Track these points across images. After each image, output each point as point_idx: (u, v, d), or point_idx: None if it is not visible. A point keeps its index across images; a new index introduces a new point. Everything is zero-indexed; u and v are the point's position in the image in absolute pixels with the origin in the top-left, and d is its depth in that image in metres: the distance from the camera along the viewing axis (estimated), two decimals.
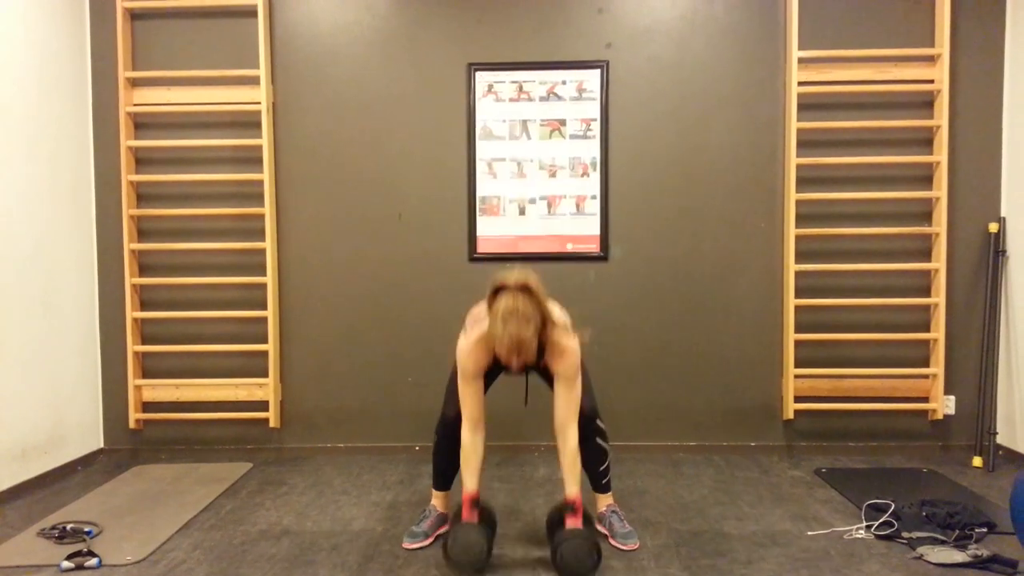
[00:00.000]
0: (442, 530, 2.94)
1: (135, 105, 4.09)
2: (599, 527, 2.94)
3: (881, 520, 2.94)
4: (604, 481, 2.96)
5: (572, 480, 2.64)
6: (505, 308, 2.41)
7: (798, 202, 3.98)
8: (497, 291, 2.47)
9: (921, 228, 3.99)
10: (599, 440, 2.88)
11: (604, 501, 2.98)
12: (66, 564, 2.68)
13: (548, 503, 3.32)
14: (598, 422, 2.88)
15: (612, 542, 2.85)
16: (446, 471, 2.96)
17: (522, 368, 2.53)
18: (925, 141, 4.01)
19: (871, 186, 4.02)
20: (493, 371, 2.72)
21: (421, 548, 2.83)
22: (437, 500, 3.00)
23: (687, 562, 2.69)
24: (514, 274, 2.47)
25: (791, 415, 4.00)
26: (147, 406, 4.17)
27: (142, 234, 4.15)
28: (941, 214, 3.95)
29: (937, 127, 3.95)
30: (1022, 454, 3.83)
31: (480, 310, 2.68)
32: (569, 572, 2.52)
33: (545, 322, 2.48)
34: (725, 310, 4.10)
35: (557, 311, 2.66)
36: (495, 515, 2.83)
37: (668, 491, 3.49)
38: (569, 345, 2.62)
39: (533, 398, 3.04)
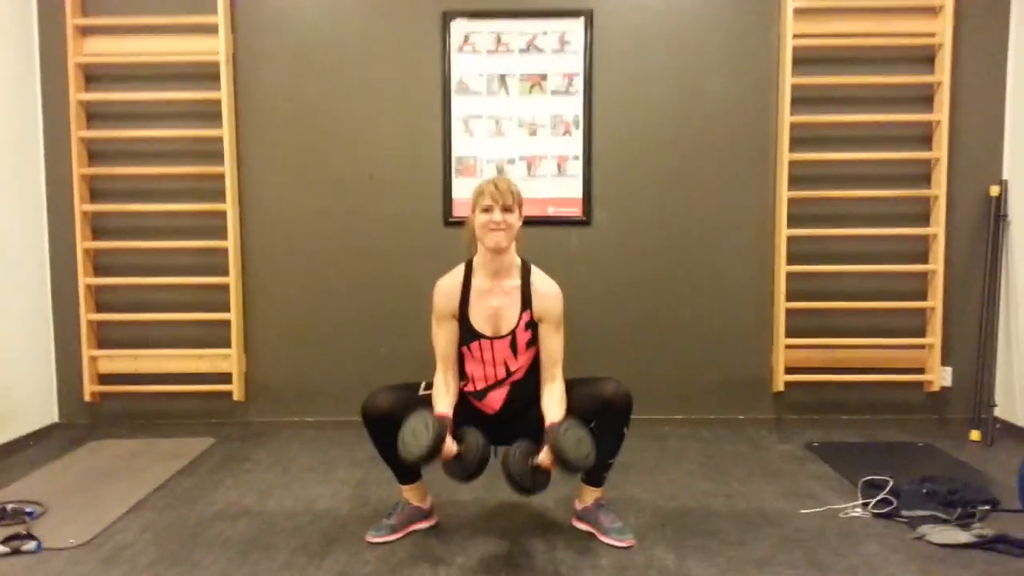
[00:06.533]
0: (416, 526, 2.65)
1: (85, 55, 3.81)
2: (582, 524, 2.65)
3: (879, 497, 2.78)
4: (605, 474, 2.62)
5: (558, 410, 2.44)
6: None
7: (791, 163, 3.77)
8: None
9: (919, 191, 3.80)
10: (625, 431, 2.55)
11: (593, 495, 2.63)
12: (0, 548, 2.47)
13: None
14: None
15: (604, 539, 2.53)
16: (402, 462, 2.54)
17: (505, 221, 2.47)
18: (925, 99, 3.81)
19: (868, 146, 3.82)
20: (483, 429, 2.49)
21: (386, 543, 2.55)
22: (408, 493, 2.67)
23: (674, 542, 2.52)
24: None
25: (781, 387, 3.83)
26: (104, 378, 3.94)
27: (94, 195, 3.90)
28: (940, 176, 3.76)
29: (938, 84, 3.76)
30: (1021, 427, 3.68)
31: (446, 283, 2.59)
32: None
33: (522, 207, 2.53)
34: (713, 277, 3.91)
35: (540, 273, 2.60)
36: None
37: (653, 467, 3.31)
38: (553, 288, 2.57)
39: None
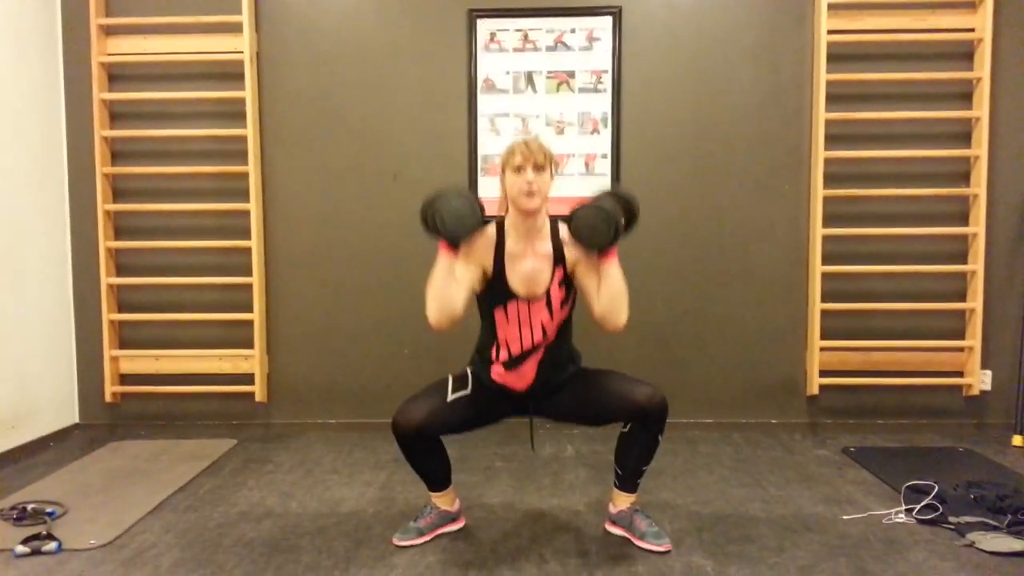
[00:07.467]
0: (444, 529, 2.58)
1: (109, 55, 3.79)
2: (616, 528, 2.57)
3: (924, 503, 2.67)
4: (639, 480, 2.52)
5: None
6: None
7: (826, 161, 3.68)
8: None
9: (959, 189, 3.69)
10: (660, 438, 2.44)
11: (627, 499, 2.54)
12: (21, 549, 2.43)
13: (555, 484, 3.05)
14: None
15: (639, 543, 2.44)
16: (433, 472, 2.56)
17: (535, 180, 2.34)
18: (964, 95, 3.70)
19: (905, 144, 3.71)
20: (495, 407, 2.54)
21: (413, 546, 2.48)
22: (437, 499, 2.60)
23: (711, 548, 2.43)
24: None
25: (816, 390, 3.72)
26: (125, 378, 3.90)
27: (117, 194, 3.86)
28: (980, 174, 3.65)
29: (978, 79, 3.65)
30: None
31: (479, 235, 2.49)
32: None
33: (554, 169, 2.42)
34: (745, 277, 3.81)
35: None
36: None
37: (685, 471, 3.21)
38: None
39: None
